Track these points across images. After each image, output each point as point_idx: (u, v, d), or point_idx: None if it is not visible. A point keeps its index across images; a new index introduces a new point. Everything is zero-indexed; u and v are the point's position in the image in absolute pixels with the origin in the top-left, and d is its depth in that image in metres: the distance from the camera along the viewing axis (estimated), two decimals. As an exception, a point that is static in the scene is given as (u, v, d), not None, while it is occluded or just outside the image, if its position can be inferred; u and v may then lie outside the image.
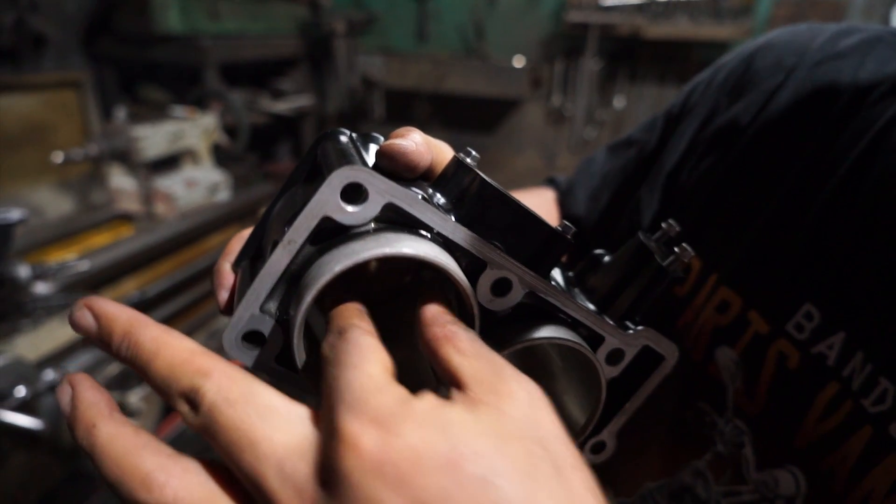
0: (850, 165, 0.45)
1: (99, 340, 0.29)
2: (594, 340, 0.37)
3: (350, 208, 0.30)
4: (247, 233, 0.39)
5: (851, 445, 0.42)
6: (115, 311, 0.29)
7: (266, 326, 0.32)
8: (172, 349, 0.27)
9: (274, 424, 0.24)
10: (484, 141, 3.26)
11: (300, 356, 0.31)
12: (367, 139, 0.40)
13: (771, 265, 0.48)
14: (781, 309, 0.47)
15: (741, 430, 0.49)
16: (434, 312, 0.29)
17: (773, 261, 0.48)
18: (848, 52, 0.50)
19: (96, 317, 0.29)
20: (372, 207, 0.30)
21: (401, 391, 0.24)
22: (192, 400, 0.26)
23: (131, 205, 1.92)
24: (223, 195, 2.12)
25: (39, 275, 1.14)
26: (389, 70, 3.01)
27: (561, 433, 0.25)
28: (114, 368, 1.16)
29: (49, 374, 0.99)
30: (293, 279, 0.32)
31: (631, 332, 0.38)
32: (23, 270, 1.09)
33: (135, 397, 1.24)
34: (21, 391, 0.93)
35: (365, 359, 0.25)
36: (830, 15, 2.46)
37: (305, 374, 0.32)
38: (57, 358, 1.19)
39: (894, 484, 0.39)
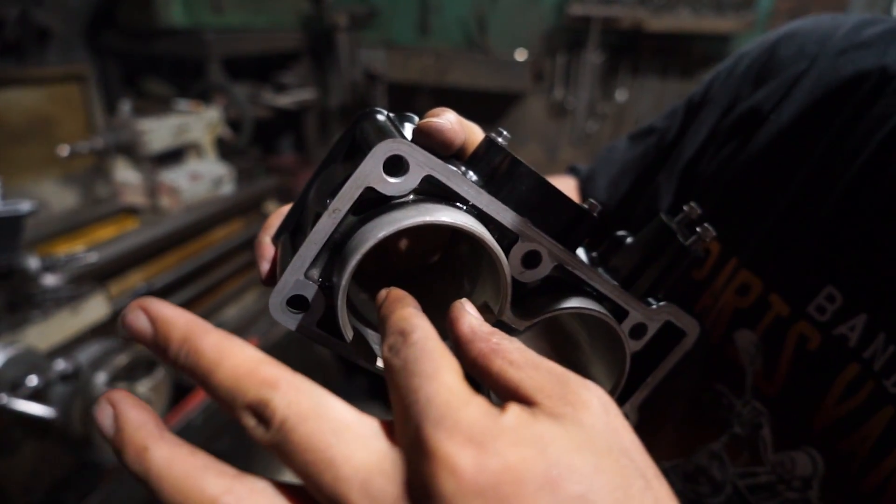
0: (873, 150, 0.46)
1: (154, 346, 0.27)
2: (618, 315, 0.39)
3: (392, 179, 0.32)
4: (286, 208, 0.41)
5: (872, 426, 0.43)
6: (173, 315, 0.27)
7: (310, 292, 0.34)
8: (236, 358, 0.26)
9: (351, 442, 0.23)
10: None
11: (344, 322, 0.33)
12: (402, 118, 0.43)
13: (792, 248, 0.49)
14: (803, 291, 0.48)
15: (759, 412, 0.50)
16: (471, 326, 0.28)
17: (795, 244, 0.49)
18: (872, 41, 0.50)
19: (152, 320, 0.27)
20: (412, 179, 0.33)
21: (483, 403, 0.23)
22: (261, 414, 0.24)
23: (136, 198, 1.93)
24: (227, 188, 2.13)
25: (48, 266, 1.16)
26: (392, 64, 3.02)
27: (637, 440, 0.25)
28: (122, 359, 1.18)
29: (60, 364, 1.01)
30: (336, 248, 0.34)
31: (654, 307, 0.39)
32: (32, 262, 1.10)
33: (143, 388, 1.26)
34: (33, 380, 0.95)
35: (440, 367, 0.24)
36: (833, 9, 2.45)
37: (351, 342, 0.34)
38: (66, 348, 1.20)
39: None
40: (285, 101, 2.69)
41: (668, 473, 0.58)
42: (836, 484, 0.45)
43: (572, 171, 0.80)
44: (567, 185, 0.76)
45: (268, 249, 0.38)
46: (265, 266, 0.38)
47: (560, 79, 2.98)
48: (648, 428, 0.56)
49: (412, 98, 3.21)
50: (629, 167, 0.70)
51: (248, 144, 2.40)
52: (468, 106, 3.22)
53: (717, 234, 0.45)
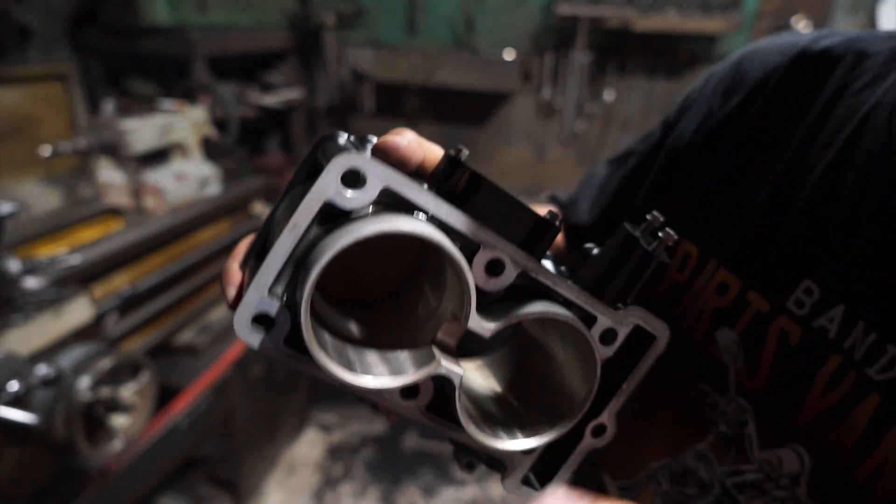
0: (839, 147, 0.47)
1: None
2: (587, 321, 0.39)
3: (350, 193, 0.32)
4: (253, 237, 0.40)
5: (857, 416, 0.43)
6: None
7: (274, 308, 0.34)
8: None
9: None
10: (474, 134, 3.26)
11: (308, 335, 0.32)
12: (363, 140, 0.42)
13: (768, 246, 0.50)
14: (781, 287, 0.49)
15: (744, 409, 0.51)
16: None
17: (770, 241, 0.50)
18: (831, 48, 0.52)
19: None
20: (370, 191, 0.33)
21: None
22: None
23: (120, 199, 1.90)
24: (213, 189, 2.11)
25: (29, 269, 1.14)
26: (379, 63, 3.00)
27: None
28: (107, 363, 1.16)
29: (42, 369, 0.99)
30: (299, 263, 0.33)
31: (622, 311, 0.40)
32: (13, 265, 1.08)
33: (127, 391, 1.24)
34: (14, 385, 0.93)
35: None
36: (817, 9, 2.48)
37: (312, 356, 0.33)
38: (48, 352, 1.18)
39: None
40: (272, 100, 2.67)
41: (657, 474, 0.58)
42: (825, 480, 0.46)
43: (553, 199, 0.80)
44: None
45: (235, 276, 0.39)
46: (231, 292, 0.38)
47: (548, 78, 2.98)
48: (638, 429, 0.57)
49: (400, 97, 3.20)
50: (610, 188, 0.71)
51: (235, 144, 2.38)
52: (456, 105, 3.21)
53: (697, 239, 0.50)
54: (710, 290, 0.53)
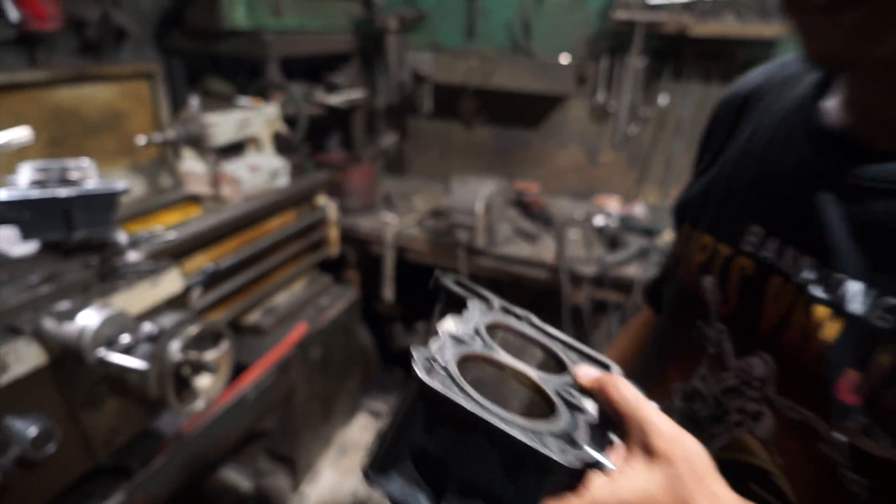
0: (751, 134, 0.69)
1: None
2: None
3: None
4: None
5: (799, 318, 0.56)
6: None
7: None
8: None
9: None
10: (528, 136, 3.33)
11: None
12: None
13: (728, 209, 0.68)
14: (736, 235, 0.65)
15: (721, 330, 0.66)
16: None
17: (728, 205, 0.68)
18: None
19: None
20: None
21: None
22: None
23: (200, 187, 2.07)
24: (282, 181, 2.26)
25: (133, 242, 1.28)
26: (438, 65, 3.11)
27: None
28: (194, 329, 1.29)
29: (147, 326, 1.12)
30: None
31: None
32: (122, 237, 1.23)
33: (210, 356, 1.37)
34: (125, 338, 1.06)
35: None
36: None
37: None
38: (145, 317, 1.32)
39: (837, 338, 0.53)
40: (336, 100, 2.81)
41: (673, 395, 0.72)
42: (788, 378, 0.58)
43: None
44: (636, 326, 1.02)
45: None
46: None
47: (602, 82, 3.03)
48: (664, 367, 0.75)
49: (457, 99, 3.30)
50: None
51: (302, 140, 2.53)
52: (511, 107, 3.30)
53: (693, 222, 0.73)
54: (696, 250, 0.71)
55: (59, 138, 2.19)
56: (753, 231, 0.63)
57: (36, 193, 1.04)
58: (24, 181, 1.09)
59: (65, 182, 1.12)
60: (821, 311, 0.54)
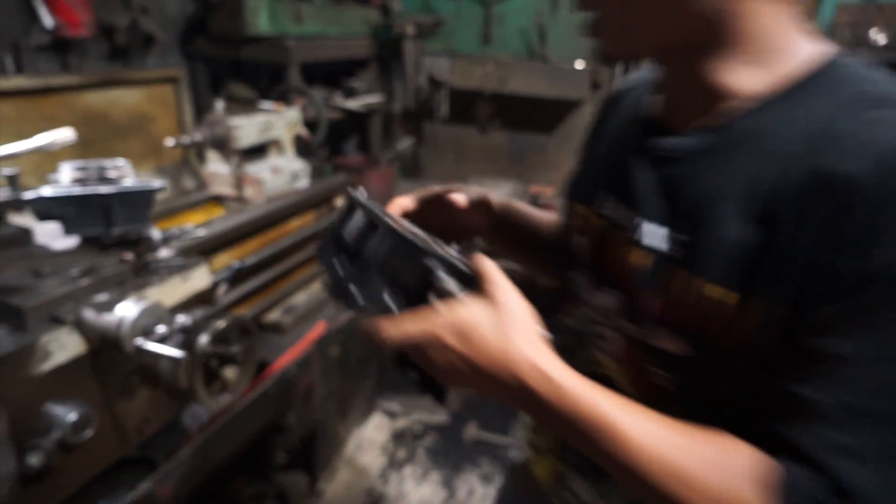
0: (609, 124, 0.88)
1: None
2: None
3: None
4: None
5: (631, 260, 0.72)
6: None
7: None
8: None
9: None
10: (543, 140, 3.37)
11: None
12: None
13: (590, 181, 0.85)
14: (593, 200, 0.81)
15: (583, 276, 0.83)
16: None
17: (590, 179, 0.86)
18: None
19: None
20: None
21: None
22: None
23: (224, 188, 2.13)
24: (303, 182, 2.31)
25: (166, 238, 1.34)
26: (455, 71, 3.16)
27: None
28: (222, 323, 1.33)
29: (180, 318, 1.17)
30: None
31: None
32: (155, 233, 1.28)
33: (235, 349, 1.42)
34: (161, 328, 1.11)
35: None
36: (895, 20, 2.45)
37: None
38: (175, 311, 1.37)
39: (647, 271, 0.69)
40: (354, 104, 2.87)
41: (557, 328, 0.87)
42: (628, 312, 0.73)
43: None
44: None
45: None
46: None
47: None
48: (558, 303, 0.92)
49: (473, 104, 3.35)
50: None
51: (322, 143, 2.58)
52: (526, 112, 3.34)
53: (572, 197, 0.89)
54: (573, 218, 0.87)
55: (88, 140, 2.26)
56: (602, 196, 0.80)
57: (79, 190, 1.09)
58: (66, 179, 1.15)
59: (104, 180, 1.18)
60: (638, 251, 0.70)
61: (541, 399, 0.59)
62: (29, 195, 1.07)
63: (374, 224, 0.70)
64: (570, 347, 0.82)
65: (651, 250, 0.68)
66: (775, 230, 0.58)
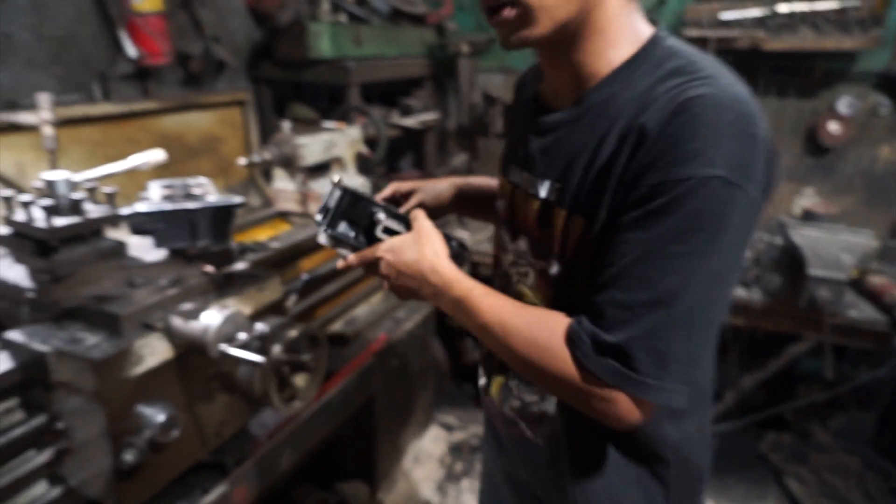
0: (519, 106, 1.07)
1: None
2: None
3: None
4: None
5: (527, 210, 0.94)
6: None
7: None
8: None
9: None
10: (597, 153, 3.37)
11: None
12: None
13: (506, 156, 1.06)
14: (507, 170, 1.03)
15: (504, 229, 1.04)
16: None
17: (506, 153, 1.06)
18: None
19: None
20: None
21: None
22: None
23: (289, 204, 2.22)
24: (363, 198, 2.38)
25: (243, 251, 1.41)
26: (508, 87, 3.20)
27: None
28: (293, 333, 1.39)
29: (258, 326, 1.24)
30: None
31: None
32: (234, 246, 1.36)
33: (306, 357, 1.48)
34: (242, 336, 1.18)
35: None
36: None
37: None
38: (252, 320, 1.44)
39: (564, 229, 0.87)
40: (411, 122, 2.94)
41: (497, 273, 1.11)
42: (533, 246, 0.95)
43: None
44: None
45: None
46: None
47: (673, 99, 3.04)
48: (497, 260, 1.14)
49: (526, 119, 3.38)
50: None
51: (381, 160, 2.66)
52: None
53: (503, 172, 1.06)
54: (499, 187, 1.07)
55: (165, 162, 2.41)
56: (510, 166, 1.01)
57: (169, 206, 1.18)
58: (156, 196, 1.23)
59: (189, 197, 1.26)
60: (535, 202, 0.92)
61: (435, 287, 0.90)
62: (126, 211, 1.15)
63: (354, 197, 1.02)
64: (503, 286, 1.05)
65: (541, 199, 0.91)
66: (612, 170, 0.78)
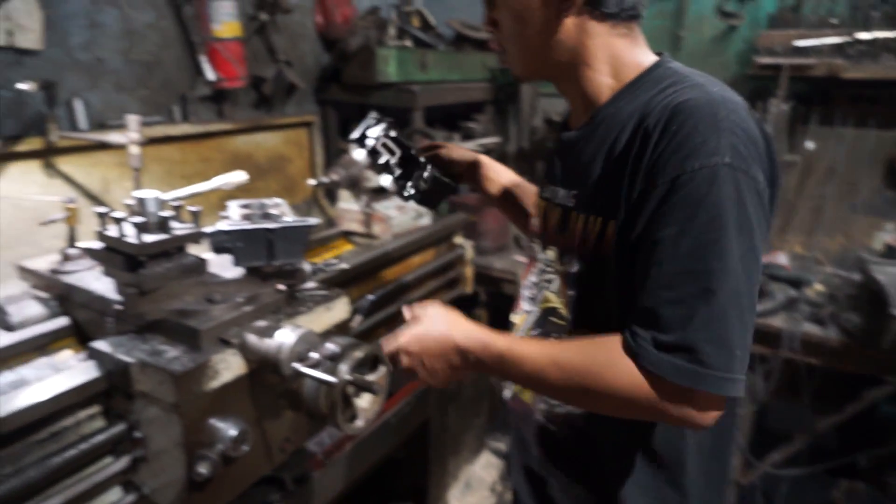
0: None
1: None
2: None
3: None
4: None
5: (554, 220, 1.05)
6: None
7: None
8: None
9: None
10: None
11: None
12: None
13: (541, 180, 1.17)
14: (542, 189, 1.14)
15: (536, 242, 1.15)
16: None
17: (547, 180, 1.13)
18: None
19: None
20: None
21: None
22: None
23: (353, 225, 2.25)
24: (425, 220, 2.40)
25: (315, 271, 1.44)
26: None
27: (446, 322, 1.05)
28: (359, 354, 1.39)
29: (329, 346, 1.25)
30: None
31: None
32: (307, 266, 1.39)
33: (373, 377, 1.47)
34: (314, 355, 1.19)
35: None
36: None
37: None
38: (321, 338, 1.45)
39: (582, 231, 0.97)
40: (473, 146, 2.96)
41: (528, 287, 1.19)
42: (561, 258, 1.04)
43: None
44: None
45: None
46: None
47: (742, 127, 2.96)
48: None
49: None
50: None
51: (442, 183, 2.68)
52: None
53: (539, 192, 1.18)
54: (539, 206, 1.15)
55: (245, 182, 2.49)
56: (545, 184, 1.11)
57: (249, 225, 1.21)
58: (236, 215, 1.27)
59: (266, 217, 1.29)
60: (557, 209, 1.03)
61: (475, 353, 0.95)
62: (208, 230, 1.19)
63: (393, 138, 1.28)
64: (532, 295, 1.14)
65: (562, 206, 1.02)
66: (623, 170, 0.86)
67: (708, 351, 0.73)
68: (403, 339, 1.02)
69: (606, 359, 0.81)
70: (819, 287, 2.46)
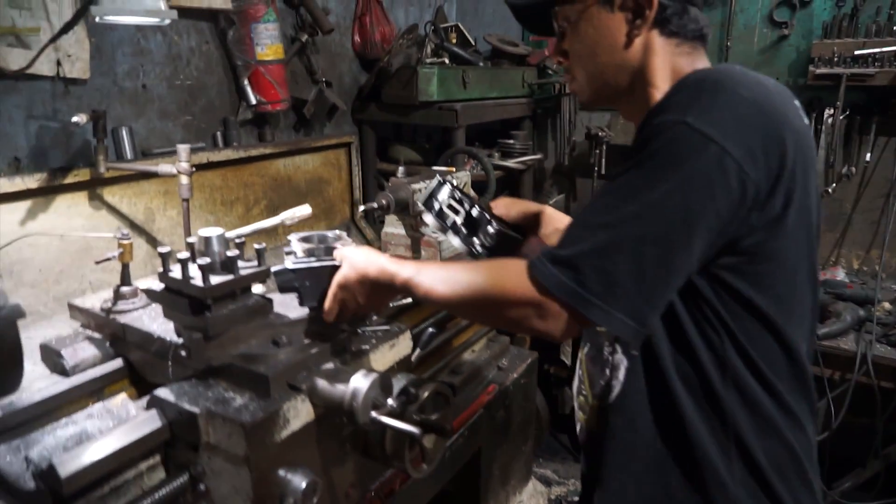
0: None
1: None
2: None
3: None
4: None
5: None
6: None
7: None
8: None
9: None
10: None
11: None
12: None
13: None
14: None
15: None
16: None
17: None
18: None
19: None
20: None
21: None
22: None
23: (400, 250, 2.18)
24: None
25: (377, 306, 1.36)
26: (613, 126, 3.11)
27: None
28: (425, 391, 1.32)
29: (398, 387, 1.18)
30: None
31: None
32: (371, 301, 1.31)
33: (437, 417, 1.39)
34: (390, 401, 1.12)
35: None
36: None
37: None
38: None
39: None
40: (514, 163, 2.89)
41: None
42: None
43: None
44: None
45: None
46: None
47: (794, 138, 2.85)
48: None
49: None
50: None
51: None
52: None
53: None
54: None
55: (275, 204, 2.44)
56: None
57: (316, 263, 1.14)
58: (299, 251, 1.21)
59: (329, 251, 1.22)
60: None
61: (396, 268, 1.02)
62: (275, 268, 1.13)
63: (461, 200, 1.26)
64: None
65: None
66: None
67: (587, 273, 0.78)
68: (336, 281, 1.09)
69: (506, 262, 0.91)
70: (888, 305, 2.33)
